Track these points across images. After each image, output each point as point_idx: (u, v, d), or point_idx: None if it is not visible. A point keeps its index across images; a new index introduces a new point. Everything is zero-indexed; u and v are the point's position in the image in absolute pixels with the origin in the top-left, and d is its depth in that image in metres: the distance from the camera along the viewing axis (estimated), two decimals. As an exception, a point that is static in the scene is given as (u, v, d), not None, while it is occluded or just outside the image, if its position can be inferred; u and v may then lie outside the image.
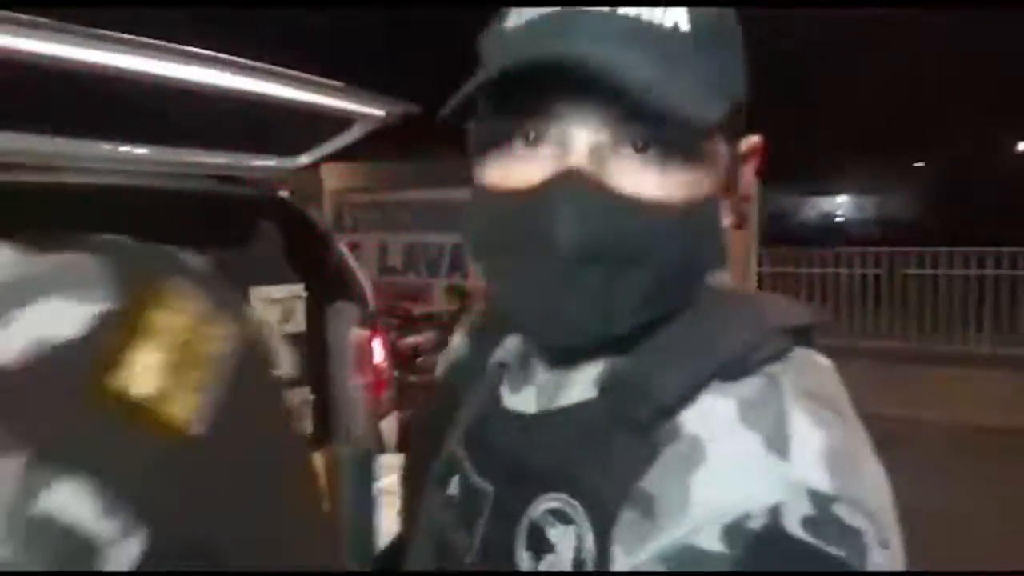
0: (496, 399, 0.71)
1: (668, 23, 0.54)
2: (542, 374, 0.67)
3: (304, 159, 2.56)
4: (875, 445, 0.56)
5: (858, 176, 23.95)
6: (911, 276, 8.86)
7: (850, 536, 0.48)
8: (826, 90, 15.96)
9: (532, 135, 0.57)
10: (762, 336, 0.58)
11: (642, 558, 0.51)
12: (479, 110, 0.61)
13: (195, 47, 1.78)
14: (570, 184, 0.54)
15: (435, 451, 0.75)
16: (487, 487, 0.65)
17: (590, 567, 0.55)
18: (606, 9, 0.54)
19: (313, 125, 2.22)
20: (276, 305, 2.67)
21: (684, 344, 0.58)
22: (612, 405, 0.58)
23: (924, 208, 20.83)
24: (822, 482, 0.49)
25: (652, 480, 0.54)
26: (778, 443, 0.51)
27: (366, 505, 0.77)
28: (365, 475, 0.77)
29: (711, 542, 0.48)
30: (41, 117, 1.63)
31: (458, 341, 0.85)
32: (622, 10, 0.54)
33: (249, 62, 1.92)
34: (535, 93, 0.55)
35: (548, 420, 0.63)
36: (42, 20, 1.39)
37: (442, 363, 0.87)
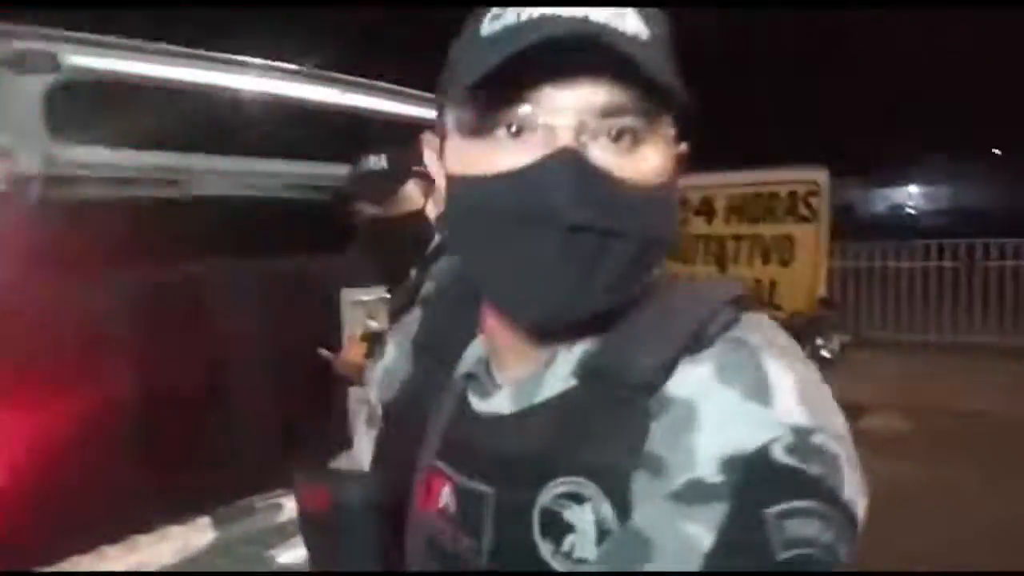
0: (465, 408, 0.75)
1: (630, 30, 0.60)
2: (515, 376, 0.72)
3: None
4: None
5: (930, 165, 23.24)
6: (990, 268, 8.59)
7: (829, 459, 0.58)
8: (893, 75, 15.54)
9: (517, 124, 0.62)
10: (714, 308, 0.66)
11: (657, 502, 0.59)
12: (455, 104, 0.66)
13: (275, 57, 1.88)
14: (565, 160, 0.60)
15: (403, 472, 0.78)
16: (484, 489, 0.69)
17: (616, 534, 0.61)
18: (579, 14, 0.59)
19: (404, 134, 2.31)
20: (362, 307, 2.78)
21: (649, 326, 0.65)
22: (596, 390, 0.65)
23: (1001, 197, 20.09)
24: (801, 418, 0.59)
25: (657, 443, 0.61)
26: (758, 391, 0.60)
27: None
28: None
29: (712, 475, 0.57)
30: (177, 137, 1.78)
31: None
32: (592, 17, 0.59)
33: (347, 77, 2.01)
34: (521, 84, 0.60)
35: (534, 414, 0.69)
36: (191, 51, 1.51)
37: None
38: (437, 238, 2.09)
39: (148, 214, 1.83)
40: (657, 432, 0.61)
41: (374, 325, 2.75)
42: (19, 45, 1.39)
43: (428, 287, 1.85)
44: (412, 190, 2.07)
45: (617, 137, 0.62)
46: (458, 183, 0.67)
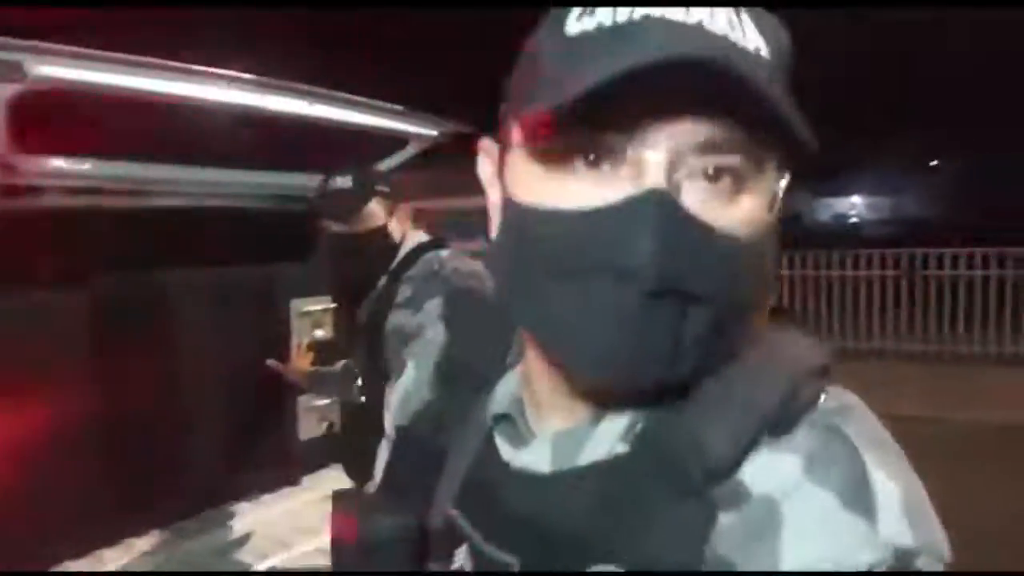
0: (493, 455, 0.65)
1: (750, 46, 0.50)
2: (555, 427, 0.61)
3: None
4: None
5: (871, 176, 23.81)
6: (931, 277, 8.87)
7: None
8: (838, 87, 15.98)
9: (598, 153, 0.51)
10: (798, 382, 0.55)
11: None
12: (524, 115, 0.53)
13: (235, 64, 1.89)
14: (655, 206, 0.49)
15: (407, 511, 0.69)
16: (509, 560, 0.59)
17: None
18: (691, 18, 0.48)
19: (369, 145, 2.34)
20: (310, 316, 2.81)
21: (718, 395, 0.55)
22: (653, 463, 0.55)
23: (940, 208, 20.69)
24: (906, 536, 0.50)
25: (727, 544, 0.51)
26: (859, 499, 0.50)
27: None
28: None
29: None
30: (129, 145, 1.77)
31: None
32: (708, 24, 0.49)
33: (308, 87, 2.02)
34: (609, 103, 0.48)
35: (574, 480, 0.58)
36: (155, 61, 1.51)
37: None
38: (403, 251, 2.16)
39: (109, 224, 1.81)
40: (726, 530, 0.51)
41: (320, 334, 2.81)
42: (-17, 53, 1.37)
43: (440, 304, 1.89)
44: (375, 208, 2.14)
45: (716, 178, 0.51)
46: (519, 211, 0.55)
